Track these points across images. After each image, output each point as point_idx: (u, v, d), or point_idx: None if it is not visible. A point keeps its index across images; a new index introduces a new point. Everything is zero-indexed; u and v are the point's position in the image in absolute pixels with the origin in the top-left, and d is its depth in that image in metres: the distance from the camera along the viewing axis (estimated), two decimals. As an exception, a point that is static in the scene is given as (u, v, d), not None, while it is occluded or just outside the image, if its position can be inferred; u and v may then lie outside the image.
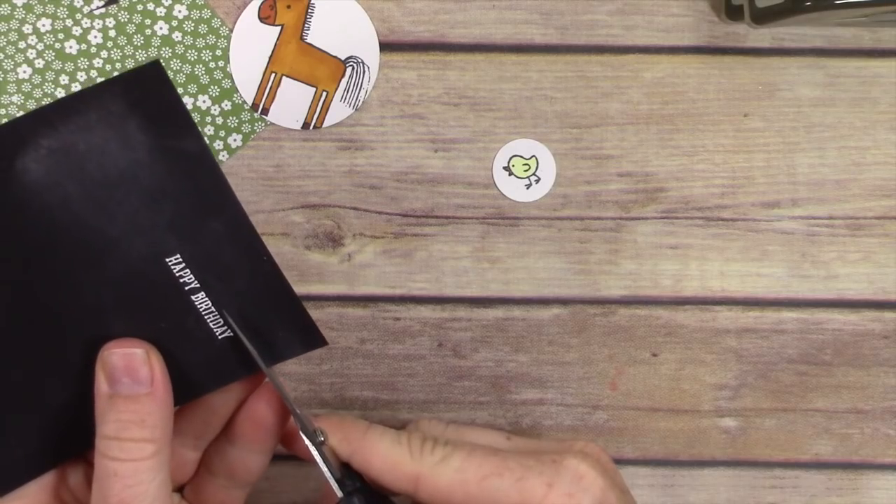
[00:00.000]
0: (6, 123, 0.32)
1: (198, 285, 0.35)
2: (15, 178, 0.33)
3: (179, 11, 0.46)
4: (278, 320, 0.36)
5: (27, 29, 0.45)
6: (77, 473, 0.37)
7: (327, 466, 0.35)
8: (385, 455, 0.35)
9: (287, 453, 0.38)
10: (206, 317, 0.35)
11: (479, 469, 0.34)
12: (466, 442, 0.36)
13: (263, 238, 0.35)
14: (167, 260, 0.34)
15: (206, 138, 0.34)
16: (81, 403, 0.34)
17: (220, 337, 0.36)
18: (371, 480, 0.36)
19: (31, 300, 0.34)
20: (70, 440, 0.36)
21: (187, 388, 0.35)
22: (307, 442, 0.35)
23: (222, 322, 0.35)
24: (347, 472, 0.36)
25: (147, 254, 0.34)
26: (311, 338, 0.37)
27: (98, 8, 0.46)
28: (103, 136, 0.33)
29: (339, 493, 0.35)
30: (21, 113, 0.46)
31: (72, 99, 0.33)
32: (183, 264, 0.34)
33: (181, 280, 0.35)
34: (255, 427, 0.37)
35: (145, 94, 0.33)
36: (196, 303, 0.35)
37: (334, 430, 0.36)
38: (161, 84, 0.33)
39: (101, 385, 0.33)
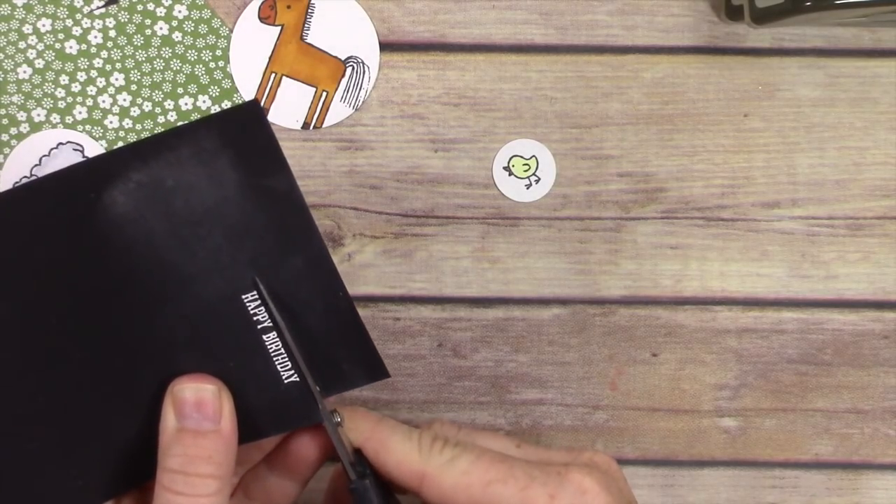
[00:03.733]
0: (99, 156, 0.33)
1: (270, 324, 0.35)
2: (102, 210, 0.33)
3: (179, 11, 0.46)
4: (346, 353, 0.36)
5: (27, 29, 0.45)
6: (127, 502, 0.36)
7: (342, 449, 0.35)
8: (394, 449, 0.35)
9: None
10: (274, 358, 0.35)
11: (484, 474, 0.34)
12: (476, 446, 0.36)
13: None
14: (243, 297, 0.34)
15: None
16: (143, 436, 0.34)
17: (285, 381, 0.35)
18: (378, 472, 0.36)
19: (105, 331, 0.34)
20: (129, 473, 0.35)
21: (249, 429, 0.35)
22: (325, 422, 0.35)
23: (290, 365, 0.35)
24: (358, 460, 0.36)
25: (224, 291, 0.34)
26: (375, 370, 0.37)
27: (98, 8, 0.46)
28: (193, 173, 0.33)
29: (353, 476, 0.35)
30: (21, 113, 0.46)
31: (167, 135, 0.33)
32: (258, 301, 0.34)
33: (255, 318, 0.35)
34: (297, 461, 0.37)
35: (240, 132, 0.33)
36: (267, 343, 0.35)
37: (347, 418, 0.36)
38: (257, 122, 0.33)
39: (169, 419, 0.33)
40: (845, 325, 0.49)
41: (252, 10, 0.46)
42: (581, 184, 0.47)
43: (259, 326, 0.35)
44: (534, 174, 0.47)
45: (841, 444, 0.49)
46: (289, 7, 0.46)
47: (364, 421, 0.36)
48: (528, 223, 0.47)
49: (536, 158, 0.47)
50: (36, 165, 0.46)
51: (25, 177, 0.46)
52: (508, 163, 0.47)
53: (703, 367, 0.49)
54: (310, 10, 0.46)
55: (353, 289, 0.48)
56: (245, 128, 0.33)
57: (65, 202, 0.33)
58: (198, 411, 0.33)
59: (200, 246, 0.34)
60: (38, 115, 0.46)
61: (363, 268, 0.47)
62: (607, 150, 0.47)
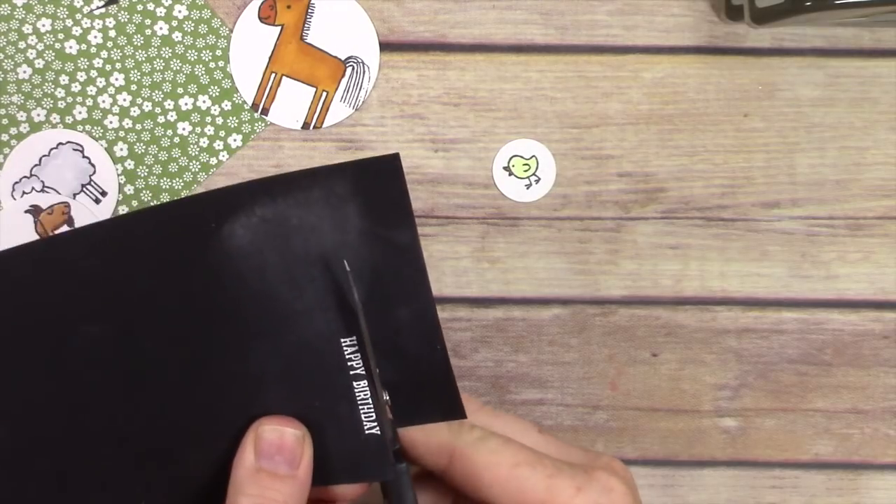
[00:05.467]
0: (227, 187, 0.33)
1: (362, 372, 0.34)
2: (218, 241, 0.32)
3: (179, 11, 0.46)
4: (428, 397, 0.36)
5: (27, 29, 0.45)
6: None
7: (389, 430, 0.35)
8: (424, 426, 0.35)
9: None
10: (360, 407, 0.35)
11: (513, 456, 0.35)
12: (503, 435, 0.36)
13: None
14: (342, 340, 0.34)
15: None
16: (216, 467, 0.34)
17: (366, 431, 0.35)
18: (404, 452, 0.36)
19: (197, 360, 0.34)
20: (193, 500, 0.35)
21: (319, 473, 0.35)
22: (384, 407, 0.35)
23: (374, 416, 0.35)
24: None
25: (324, 331, 0.34)
26: (453, 412, 0.36)
27: (98, 8, 0.46)
28: (319, 215, 0.33)
29: (391, 460, 0.35)
30: (21, 113, 0.46)
31: (301, 175, 0.33)
32: (356, 348, 0.34)
33: (349, 363, 0.34)
34: (338, 498, 0.36)
35: (374, 182, 0.33)
36: (356, 390, 0.35)
37: None
38: (394, 175, 0.33)
39: (247, 455, 0.33)
40: (845, 325, 0.49)
41: (252, 10, 0.46)
42: (581, 184, 0.47)
43: (352, 372, 0.34)
44: (534, 174, 0.47)
45: (841, 444, 0.49)
46: (289, 7, 0.46)
47: None
48: (528, 223, 0.47)
49: (536, 158, 0.47)
50: (36, 165, 0.46)
51: (25, 177, 0.46)
52: (508, 163, 0.47)
53: (703, 367, 0.49)
54: (310, 10, 0.46)
55: (353, 289, 0.48)
56: (380, 179, 0.33)
57: (184, 230, 0.33)
58: (279, 454, 0.33)
59: (310, 286, 0.33)
60: (38, 115, 0.46)
61: (363, 268, 0.47)
62: (607, 150, 0.47)
